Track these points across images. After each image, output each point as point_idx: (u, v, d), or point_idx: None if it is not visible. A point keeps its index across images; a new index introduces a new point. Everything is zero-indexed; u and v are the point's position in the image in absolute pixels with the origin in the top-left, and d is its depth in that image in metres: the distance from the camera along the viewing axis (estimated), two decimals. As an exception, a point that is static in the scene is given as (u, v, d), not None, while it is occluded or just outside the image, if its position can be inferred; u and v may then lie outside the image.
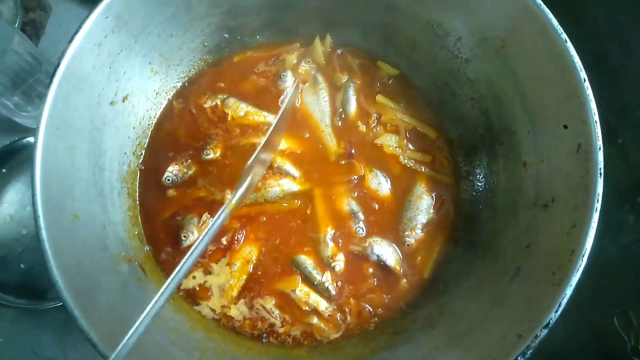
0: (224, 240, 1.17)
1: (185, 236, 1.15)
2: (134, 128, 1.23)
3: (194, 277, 1.15)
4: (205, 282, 1.15)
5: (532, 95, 1.06)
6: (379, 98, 1.30)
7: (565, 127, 0.98)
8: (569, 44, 0.97)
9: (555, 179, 1.00)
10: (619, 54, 1.51)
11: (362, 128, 1.27)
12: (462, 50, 1.21)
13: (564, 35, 0.98)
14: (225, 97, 1.27)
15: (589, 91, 0.94)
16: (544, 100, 1.03)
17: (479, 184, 1.24)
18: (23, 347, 1.34)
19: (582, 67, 0.96)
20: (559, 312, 0.86)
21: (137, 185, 1.22)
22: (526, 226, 1.05)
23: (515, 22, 1.06)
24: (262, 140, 0.99)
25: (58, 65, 0.99)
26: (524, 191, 1.08)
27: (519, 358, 0.85)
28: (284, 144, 1.25)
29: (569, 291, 0.87)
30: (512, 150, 1.13)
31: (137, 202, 1.21)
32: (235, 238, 1.17)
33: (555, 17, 0.99)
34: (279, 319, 1.13)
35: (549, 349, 1.21)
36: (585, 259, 0.88)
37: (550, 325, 0.86)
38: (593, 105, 0.94)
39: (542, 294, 0.91)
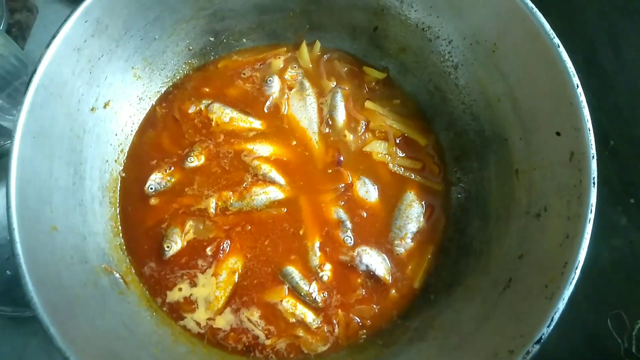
0: (208, 251, 1.14)
1: (168, 247, 1.12)
2: (116, 135, 1.19)
3: (180, 290, 1.12)
4: (190, 294, 1.11)
5: (524, 101, 1.03)
6: (368, 104, 1.27)
7: (558, 134, 0.95)
8: (562, 49, 0.95)
9: (548, 188, 0.97)
10: (609, 56, 1.50)
11: (350, 135, 1.24)
12: (453, 54, 1.18)
13: (557, 40, 0.95)
14: (209, 102, 1.25)
15: (582, 97, 0.92)
16: (536, 106, 1.00)
17: (471, 191, 1.21)
18: (9, 356, 1.30)
19: (574, 72, 0.94)
20: (551, 327, 0.83)
21: (119, 194, 1.19)
22: (518, 236, 1.02)
23: (506, 25, 1.03)
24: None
25: (34, 71, 0.96)
26: (516, 200, 1.05)
27: (510, 375, 0.82)
28: (269, 150, 1.22)
29: (561, 305, 0.84)
30: (504, 158, 1.10)
31: (119, 211, 1.17)
32: (221, 248, 1.14)
33: (547, 19, 0.97)
34: (264, 331, 1.10)
35: (542, 351, 1.19)
36: (578, 271, 0.85)
37: (542, 341, 0.83)
38: (586, 112, 0.91)
39: (533, 307, 0.88)
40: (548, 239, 0.94)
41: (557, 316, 0.84)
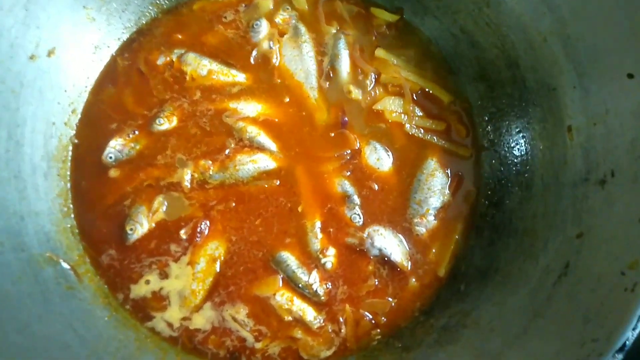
0: (183, 233, 0.94)
1: (131, 229, 0.93)
2: (65, 91, 1.00)
3: (147, 282, 0.92)
4: (161, 288, 0.91)
5: (580, 38, 0.85)
6: (379, 52, 1.09)
7: (631, 76, 0.76)
8: (640, -39, 0.73)
9: (616, 147, 0.79)
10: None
11: (357, 90, 1.06)
12: None
13: (632, -50, 0.73)
14: (183, 52, 1.06)
15: (669, 24, 0.70)
16: (597, 43, 0.82)
17: (508, 156, 1.02)
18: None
19: (659, -8, 0.72)
20: (638, 329, 0.62)
21: (70, 165, 0.99)
22: (575, 209, 0.83)
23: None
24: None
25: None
26: (570, 164, 0.87)
27: (584, 396, 0.62)
28: (257, 110, 1.02)
29: (651, 299, 0.63)
30: (552, 112, 0.92)
31: (70, 186, 0.98)
32: (198, 230, 0.95)
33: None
34: (253, 332, 0.90)
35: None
36: (672, 253, 0.64)
37: (626, 348, 0.61)
38: (675, 42, 0.70)
39: (608, 302, 0.69)
40: (619, 212, 0.75)
41: (646, 314, 0.63)
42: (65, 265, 0.87)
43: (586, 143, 0.84)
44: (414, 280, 0.95)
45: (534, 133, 0.96)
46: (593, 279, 0.73)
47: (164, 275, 0.92)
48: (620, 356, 0.62)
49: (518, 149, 0.99)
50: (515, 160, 0.99)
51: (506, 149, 1.01)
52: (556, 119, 0.90)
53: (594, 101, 0.83)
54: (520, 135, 0.99)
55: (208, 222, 0.94)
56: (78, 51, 0.99)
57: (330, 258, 0.94)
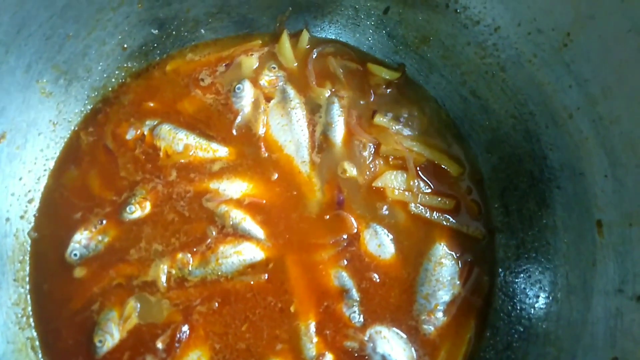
0: (160, 343, 0.83)
1: (100, 341, 0.83)
2: (20, 179, 0.88)
3: None
4: (133, 415, 0.81)
5: (615, 120, 0.74)
6: (378, 119, 0.98)
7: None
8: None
9: None
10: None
11: (352, 168, 0.96)
12: (500, 47, 0.89)
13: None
14: (155, 123, 0.96)
15: None
16: (636, 129, 0.71)
17: (526, 241, 0.91)
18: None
19: None
20: None
21: (29, 265, 0.87)
22: (607, 325, 0.73)
23: (591, 6, 0.73)
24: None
25: None
26: (600, 267, 0.76)
27: None
28: (241, 190, 0.92)
29: None
30: (578, 200, 0.81)
31: (29, 290, 0.86)
32: (177, 337, 0.84)
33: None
34: None
35: None
36: None
37: None
38: None
39: None
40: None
41: None
42: (24, 391, 0.77)
43: (620, 246, 0.73)
44: (422, 388, 0.86)
45: (556, 219, 0.85)
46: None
47: (139, 395, 0.82)
48: None
49: (537, 235, 0.88)
50: (534, 247, 0.88)
51: (523, 234, 0.90)
52: (583, 208, 0.79)
53: (630, 197, 0.72)
54: (541, 219, 0.87)
55: (188, 328, 0.84)
56: (33, 132, 0.88)
57: (326, 366, 0.84)
